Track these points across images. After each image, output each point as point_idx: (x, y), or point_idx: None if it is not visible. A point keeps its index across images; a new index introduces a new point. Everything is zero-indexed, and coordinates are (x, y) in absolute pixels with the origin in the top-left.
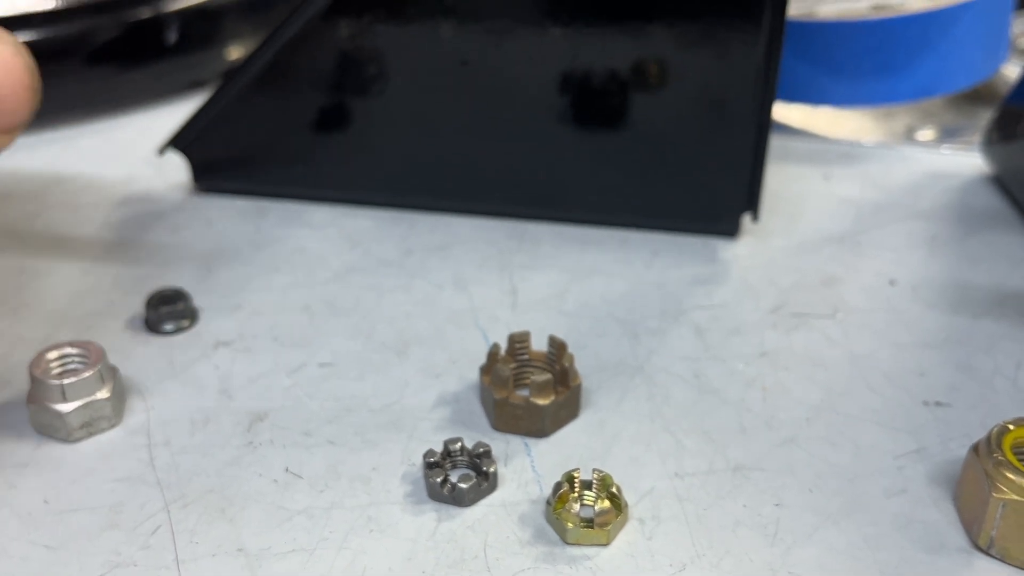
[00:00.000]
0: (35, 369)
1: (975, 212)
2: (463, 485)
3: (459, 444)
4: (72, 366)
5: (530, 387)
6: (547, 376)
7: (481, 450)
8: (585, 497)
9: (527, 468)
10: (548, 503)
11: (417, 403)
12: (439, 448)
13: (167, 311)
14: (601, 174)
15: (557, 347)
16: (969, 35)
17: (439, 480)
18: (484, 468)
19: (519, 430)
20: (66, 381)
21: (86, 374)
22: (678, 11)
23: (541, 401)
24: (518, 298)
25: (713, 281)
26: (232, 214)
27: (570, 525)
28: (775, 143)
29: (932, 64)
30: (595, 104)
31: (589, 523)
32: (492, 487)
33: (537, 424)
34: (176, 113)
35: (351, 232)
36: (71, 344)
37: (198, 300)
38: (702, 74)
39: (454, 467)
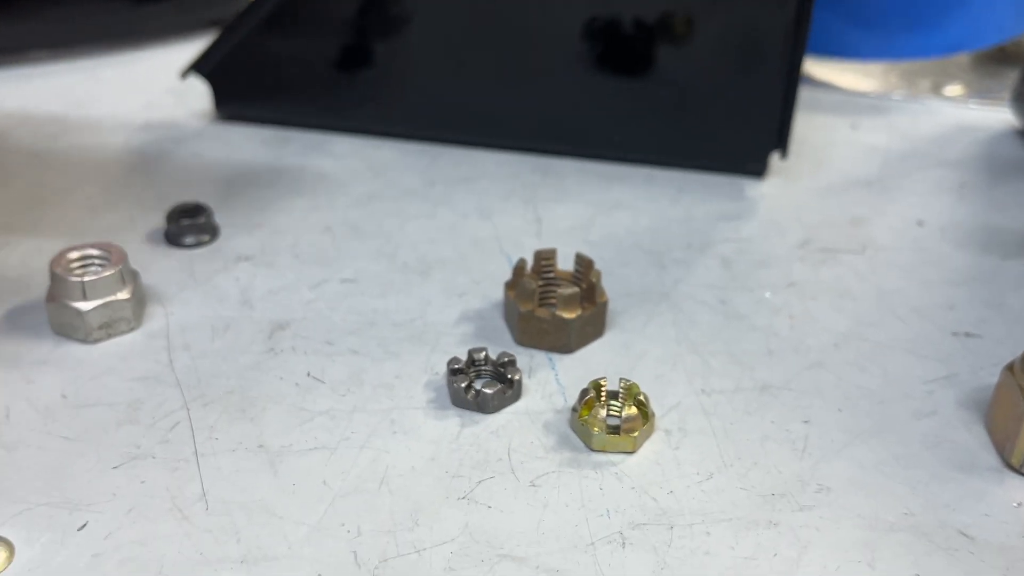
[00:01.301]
0: (55, 266)
1: (1004, 162)
2: (488, 391)
3: (483, 354)
4: (93, 266)
5: (557, 300)
6: (574, 289)
7: (506, 359)
8: (611, 406)
9: (551, 381)
10: (574, 410)
11: (440, 319)
12: (463, 358)
13: (188, 224)
14: (630, 112)
15: (584, 264)
16: None
17: (463, 386)
18: (509, 376)
19: (544, 345)
20: (87, 279)
21: (107, 273)
22: None
23: (567, 315)
24: (542, 227)
25: (740, 217)
26: (254, 141)
27: (596, 430)
28: (802, 95)
29: (962, 20)
30: (627, 44)
31: (615, 430)
32: (516, 395)
33: (563, 339)
34: (195, 49)
35: (374, 162)
36: (93, 245)
37: (219, 219)
38: (735, 15)
39: (478, 376)
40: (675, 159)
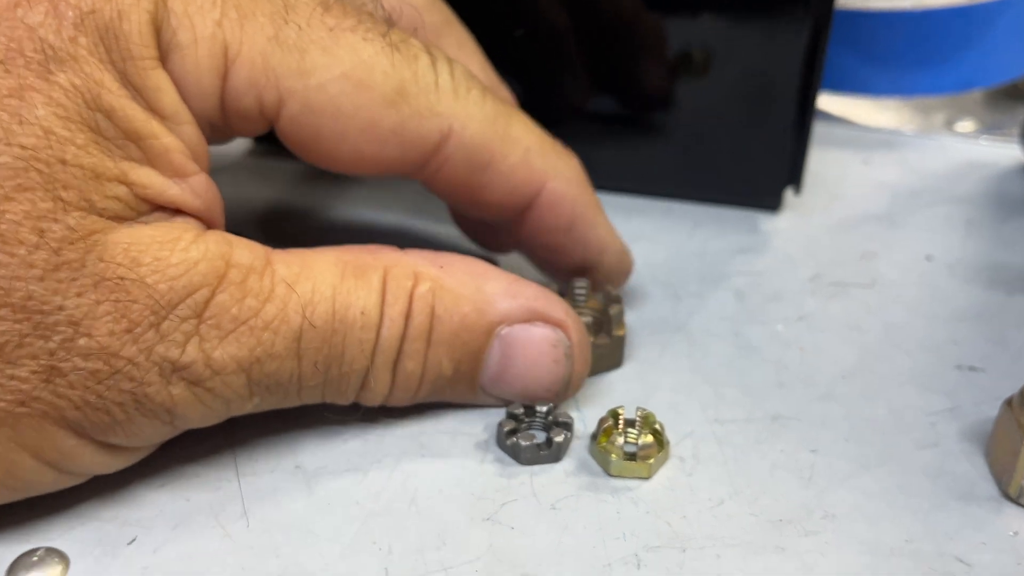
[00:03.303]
0: None
1: (1013, 199)
2: (523, 442)
3: (548, 407)
4: None
5: None
6: (588, 319)
7: (562, 419)
8: (628, 434)
9: (571, 409)
10: (592, 437)
11: None
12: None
13: None
14: (647, 146)
15: (610, 298)
16: (1011, 30)
17: (506, 430)
18: (552, 436)
19: None
20: None
21: None
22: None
23: None
24: None
25: (754, 251)
26: (290, 176)
27: (613, 457)
28: (816, 130)
29: (974, 57)
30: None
31: (632, 457)
32: (554, 457)
33: None
34: None
35: (406, 195)
36: None
37: None
38: (750, 53)
39: (530, 426)
40: (692, 193)
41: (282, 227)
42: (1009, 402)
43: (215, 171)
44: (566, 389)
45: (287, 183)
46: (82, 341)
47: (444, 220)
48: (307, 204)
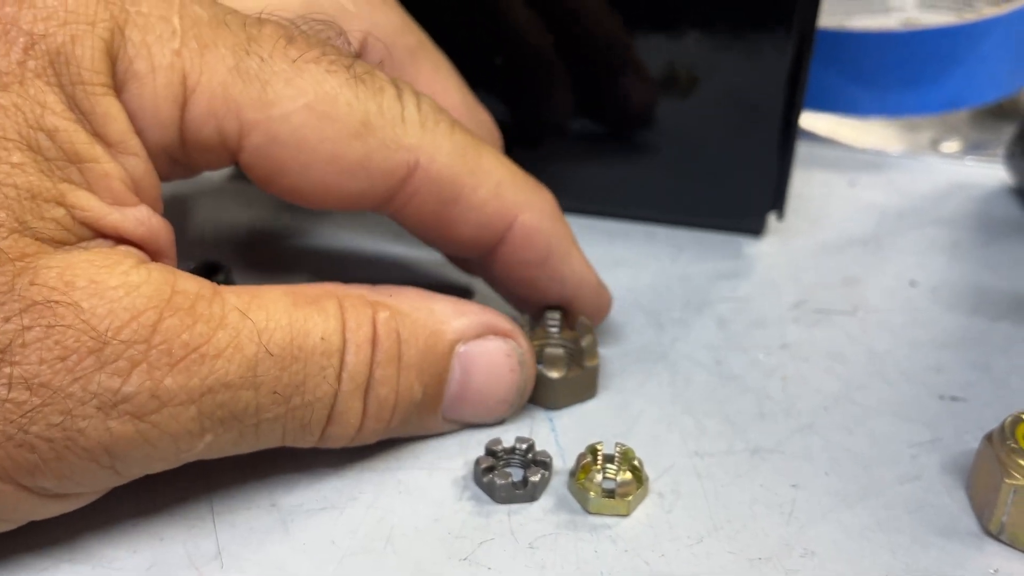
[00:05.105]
0: None
1: (997, 221)
2: (499, 481)
3: (527, 444)
4: None
5: (544, 360)
6: (560, 350)
7: (540, 457)
8: (607, 470)
9: (551, 442)
10: (571, 474)
11: None
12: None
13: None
14: (629, 170)
15: (584, 328)
16: (997, 49)
17: (483, 467)
18: (528, 475)
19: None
20: None
21: None
22: (710, 16)
23: (554, 374)
24: None
25: (737, 276)
26: (271, 200)
27: (592, 494)
28: (802, 150)
29: (959, 77)
30: (628, 106)
31: (610, 494)
32: (529, 496)
33: (549, 397)
34: None
35: (386, 220)
36: None
37: (236, 277)
38: (732, 76)
39: (508, 463)
40: (676, 216)
41: (263, 252)
42: (989, 437)
43: (196, 195)
44: (520, 399)
45: (268, 208)
46: (7, 370)
47: (427, 246)
48: (288, 230)
